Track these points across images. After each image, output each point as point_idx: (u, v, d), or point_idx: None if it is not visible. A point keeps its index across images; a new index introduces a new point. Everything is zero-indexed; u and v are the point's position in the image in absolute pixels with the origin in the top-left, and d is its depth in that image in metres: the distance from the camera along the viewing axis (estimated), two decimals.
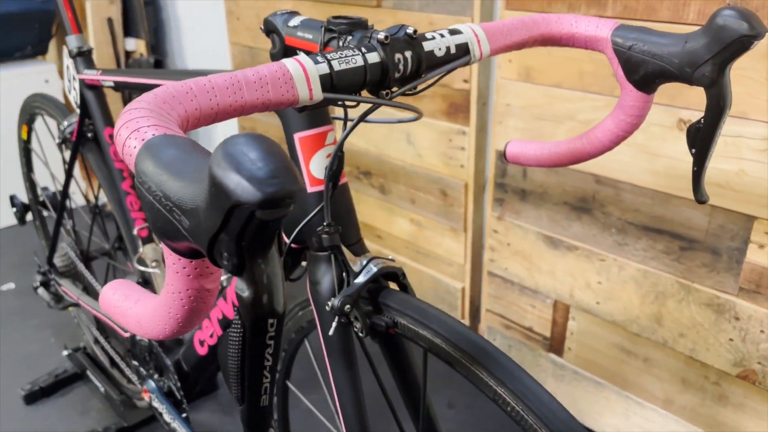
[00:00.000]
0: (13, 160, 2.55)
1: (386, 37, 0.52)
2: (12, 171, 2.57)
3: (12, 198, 1.68)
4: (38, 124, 1.51)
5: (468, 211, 1.59)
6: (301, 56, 0.48)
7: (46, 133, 1.51)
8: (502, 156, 0.74)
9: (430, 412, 0.75)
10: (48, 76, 2.57)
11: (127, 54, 2.55)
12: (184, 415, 1.09)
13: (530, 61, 1.33)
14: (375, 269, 0.65)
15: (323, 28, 0.58)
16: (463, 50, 0.57)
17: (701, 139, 0.61)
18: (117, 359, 1.41)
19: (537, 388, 0.54)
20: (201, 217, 0.30)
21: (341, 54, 0.50)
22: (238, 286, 0.31)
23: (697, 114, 1.11)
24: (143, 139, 0.35)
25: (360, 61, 0.50)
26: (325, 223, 0.64)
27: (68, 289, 1.39)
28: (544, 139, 1.36)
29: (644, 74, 0.59)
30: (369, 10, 1.62)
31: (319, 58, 0.49)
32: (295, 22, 0.62)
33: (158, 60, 2.44)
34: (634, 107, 0.62)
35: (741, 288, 1.14)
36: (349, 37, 0.56)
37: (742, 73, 1.03)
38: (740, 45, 0.54)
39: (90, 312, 1.33)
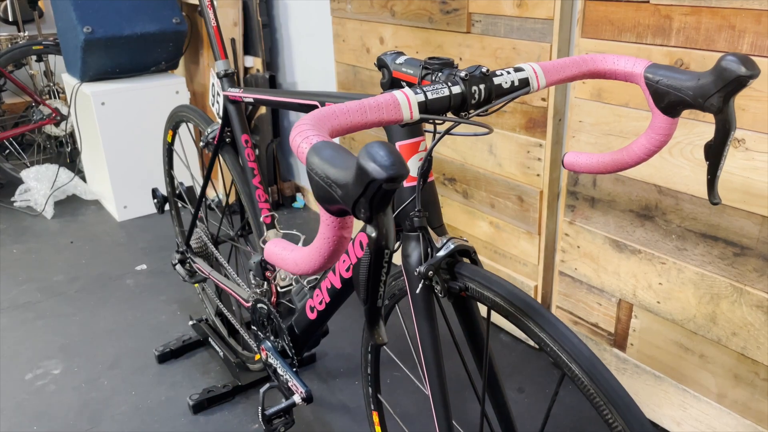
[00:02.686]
0: (148, 159, 2.95)
1: (466, 75, 0.73)
2: (142, 168, 2.97)
3: (154, 191, 2.01)
4: (182, 130, 1.81)
5: (542, 216, 1.76)
6: (406, 89, 0.70)
7: (188, 137, 1.81)
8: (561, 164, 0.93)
9: (492, 362, 0.95)
10: (178, 87, 2.95)
11: (246, 70, 2.89)
12: (294, 369, 1.34)
13: (601, 83, 1.49)
14: (452, 246, 0.86)
15: (421, 66, 0.80)
16: (525, 83, 0.77)
17: (713, 154, 0.77)
18: (238, 327, 1.68)
19: (569, 333, 0.73)
20: (349, 189, 0.52)
21: (433, 87, 0.71)
22: (368, 231, 0.53)
23: (747, 134, 1.25)
24: (310, 143, 0.58)
25: (446, 92, 0.72)
26: (416, 209, 0.86)
27: (201, 266, 1.68)
28: None
29: (668, 102, 0.77)
30: (460, 35, 1.84)
31: (417, 90, 0.71)
32: (400, 60, 0.85)
33: (272, 75, 2.76)
34: (662, 128, 0.80)
35: None
36: (440, 73, 0.78)
37: None
38: (738, 83, 0.71)
39: (218, 285, 1.60)
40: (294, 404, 1.27)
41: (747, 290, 1.33)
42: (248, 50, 2.87)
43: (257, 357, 1.73)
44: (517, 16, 1.65)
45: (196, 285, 2.07)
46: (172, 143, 1.86)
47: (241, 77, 2.87)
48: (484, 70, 0.74)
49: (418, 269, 0.86)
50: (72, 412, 1.73)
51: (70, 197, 3.27)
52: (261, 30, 2.76)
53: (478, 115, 0.75)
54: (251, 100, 1.27)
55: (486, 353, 0.88)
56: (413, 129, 0.89)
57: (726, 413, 1.44)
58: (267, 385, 1.30)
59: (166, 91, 2.93)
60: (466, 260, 0.90)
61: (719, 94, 0.73)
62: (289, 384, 1.32)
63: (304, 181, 3.06)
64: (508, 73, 0.76)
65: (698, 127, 1.33)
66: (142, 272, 2.50)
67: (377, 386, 1.23)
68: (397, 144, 0.88)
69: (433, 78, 0.78)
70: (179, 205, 1.97)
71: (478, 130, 0.75)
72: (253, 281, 1.43)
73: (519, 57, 1.68)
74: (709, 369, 1.45)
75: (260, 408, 1.24)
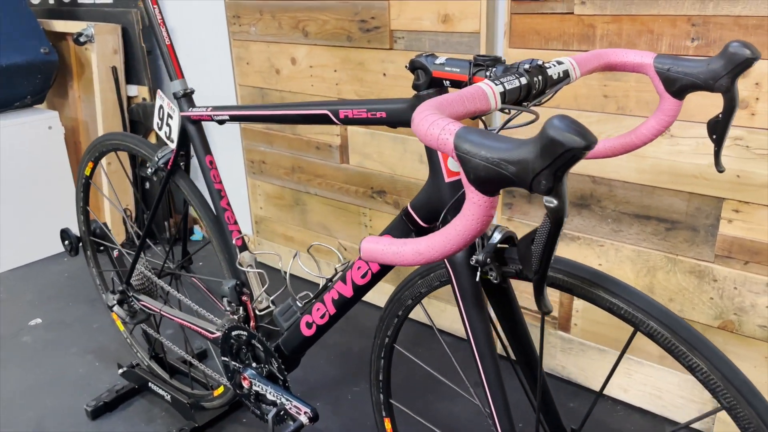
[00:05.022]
0: (24, 202, 2.65)
1: (530, 67, 0.79)
2: (17, 214, 2.67)
3: (65, 232, 1.83)
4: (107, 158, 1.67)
5: None
6: (487, 81, 0.75)
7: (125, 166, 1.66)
8: None
9: (534, 347, 1.01)
10: (50, 122, 2.71)
11: (129, 99, 2.73)
12: (289, 390, 1.30)
13: None
14: (500, 235, 0.91)
15: (471, 63, 0.85)
16: (566, 74, 0.85)
17: (720, 128, 0.90)
18: (195, 362, 1.58)
19: (641, 294, 0.81)
20: (528, 164, 0.55)
21: (507, 79, 0.76)
22: (547, 200, 0.56)
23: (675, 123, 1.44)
24: (451, 132, 0.60)
25: (517, 83, 0.77)
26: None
27: (149, 303, 1.56)
28: None
29: (679, 87, 0.89)
30: (383, 52, 1.90)
31: (497, 82, 0.75)
32: (440, 60, 0.88)
33: None
34: (671, 110, 0.91)
35: (716, 255, 1.46)
36: (494, 69, 0.83)
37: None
38: (746, 64, 0.84)
39: (174, 320, 1.50)
40: (302, 425, 1.23)
41: (680, 259, 1.52)
42: (130, 79, 2.71)
43: (217, 392, 1.64)
44: (443, 31, 1.76)
45: (122, 329, 1.90)
46: (90, 176, 1.72)
47: (125, 107, 2.70)
48: (539, 62, 0.81)
49: (474, 258, 0.89)
50: None
51: None
52: (145, 57, 2.62)
53: (535, 104, 0.81)
54: (225, 117, 1.23)
55: (542, 337, 0.93)
56: None
57: (669, 372, 1.62)
58: (273, 410, 1.25)
59: (37, 126, 2.67)
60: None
61: (728, 75, 0.85)
62: (289, 407, 1.28)
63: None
64: (554, 65, 0.83)
65: (626, 121, 1.51)
66: (38, 327, 2.24)
67: (389, 391, 1.24)
68: None
69: (487, 74, 0.83)
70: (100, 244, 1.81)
71: (518, 122, 0.81)
72: (227, 308, 1.37)
73: None
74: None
75: None
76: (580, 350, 1.77)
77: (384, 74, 1.93)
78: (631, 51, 0.93)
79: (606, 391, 1.76)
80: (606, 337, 1.71)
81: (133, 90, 2.70)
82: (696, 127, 1.42)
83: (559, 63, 0.85)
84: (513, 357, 1.04)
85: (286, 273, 1.23)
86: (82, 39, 2.53)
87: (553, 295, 1.78)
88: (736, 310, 1.47)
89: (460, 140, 0.59)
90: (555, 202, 0.56)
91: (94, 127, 2.77)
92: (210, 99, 2.60)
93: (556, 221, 0.58)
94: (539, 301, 0.63)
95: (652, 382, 1.66)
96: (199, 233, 2.93)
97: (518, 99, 0.79)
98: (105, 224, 1.86)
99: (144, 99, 2.69)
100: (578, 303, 1.74)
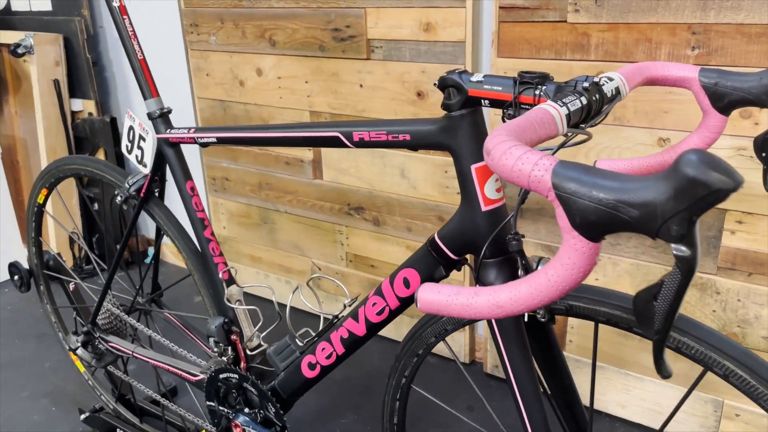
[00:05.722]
0: None
1: (589, 85, 0.71)
2: None
3: (14, 266, 1.65)
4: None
5: None
6: (550, 103, 0.66)
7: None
8: None
9: (574, 385, 0.94)
10: None
11: (73, 114, 2.52)
12: None
13: None
14: None
15: (517, 81, 0.76)
16: (617, 91, 0.78)
17: None
18: (168, 403, 1.43)
19: (712, 331, 0.75)
20: (656, 206, 0.46)
21: (570, 99, 0.68)
22: (677, 249, 0.48)
23: (671, 133, 1.40)
24: (547, 168, 0.51)
25: (579, 104, 0.69)
26: (513, 232, 0.81)
27: (118, 344, 1.41)
28: None
29: (728, 102, 0.83)
30: (359, 62, 1.80)
31: (560, 103, 0.67)
32: (477, 77, 0.80)
33: (113, 118, 2.44)
34: (716, 126, 0.86)
35: (719, 267, 1.43)
36: (543, 87, 0.75)
37: None
38: None
39: (149, 362, 1.36)
40: None
41: None
42: (74, 92, 2.51)
43: None
44: (425, 41, 1.67)
45: (82, 369, 1.73)
46: (44, 204, 1.54)
47: (69, 123, 2.49)
48: (595, 79, 0.73)
49: None
50: None
51: None
52: (91, 69, 2.43)
53: (591, 125, 0.74)
54: (212, 140, 1.11)
55: (593, 375, 0.86)
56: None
57: (668, 387, 1.59)
58: None
59: None
60: None
61: None
62: None
63: (154, 234, 2.74)
64: (606, 81, 0.76)
65: (624, 132, 1.46)
66: None
67: None
68: (474, 166, 0.83)
69: (536, 93, 0.75)
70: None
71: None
72: (214, 348, 1.24)
73: (429, 80, 1.70)
74: (649, 349, 1.59)
75: None
76: (576, 367, 1.72)
77: (361, 85, 1.83)
78: (673, 64, 0.86)
79: (603, 408, 1.71)
80: (604, 353, 1.66)
81: (78, 104, 2.50)
82: None
83: (610, 79, 0.77)
84: (549, 391, 0.96)
85: (286, 307, 1.11)
86: (20, 50, 2.31)
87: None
88: (740, 322, 1.44)
89: (561, 178, 0.50)
90: (687, 251, 0.48)
91: (35, 145, 2.55)
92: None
93: (687, 273, 0.49)
94: (659, 365, 0.55)
95: (650, 397, 1.62)
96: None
97: (579, 121, 0.71)
98: (59, 254, 1.68)
99: (90, 114, 2.49)
100: (573, 319, 1.68)
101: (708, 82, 0.83)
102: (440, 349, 1.96)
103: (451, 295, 0.61)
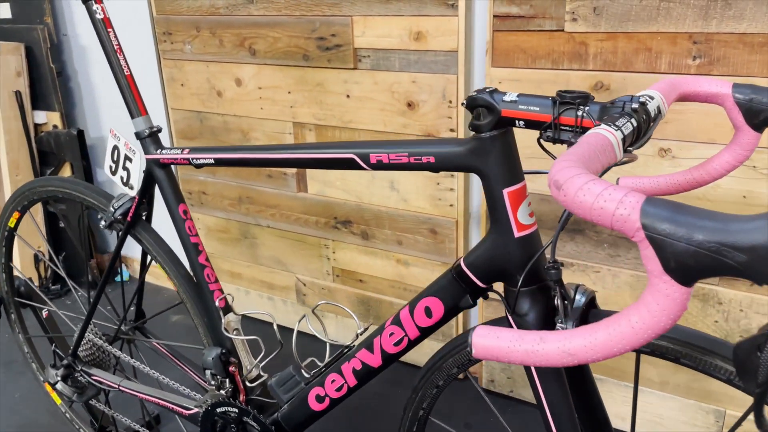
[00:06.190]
0: None
1: (638, 106, 0.67)
2: None
3: None
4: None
5: (459, 246, 1.75)
6: (605, 128, 0.62)
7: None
8: None
9: (634, 414, 0.90)
10: None
11: (36, 127, 2.39)
12: None
13: None
14: (584, 297, 0.78)
15: (557, 102, 0.71)
16: (659, 110, 0.74)
17: None
18: None
19: None
20: (765, 250, 0.42)
21: (622, 122, 0.64)
22: None
23: (672, 143, 1.38)
24: (634, 206, 0.46)
25: (630, 126, 0.65)
26: (551, 260, 0.76)
27: (103, 377, 1.32)
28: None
29: (763, 118, 0.80)
30: (345, 72, 1.74)
31: (614, 127, 0.62)
32: (511, 97, 0.75)
33: (80, 131, 2.32)
34: (749, 143, 0.83)
35: (721, 278, 1.42)
36: (586, 107, 0.70)
37: (709, 108, 1.31)
38: None
39: (137, 396, 1.27)
40: None
41: None
42: (37, 104, 2.38)
43: None
44: (415, 50, 1.62)
45: (59, 402, 1.62)
46: (15, 228, 1.44)
47: (32, 137, 2.36)
48: (642, 99, 0.69)
49: (563, 327, 0.76)
50: None
51: None
52: (55, 79, 2.30)
53: (637, 148, 0.70)
54: (209, 161, 1.03)
55: (635, 403, 0.82)
56: (518, 171, 0.79)
57: (669, 398, 1.57)
58: None
59: None
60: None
61: None
62: None
63: (123, 250, 2.62)
64: (648, 100, 0.72)
65: None
66: None
67: None
68: (507, 190, 0.78)
69: (578, 114, 0.70)
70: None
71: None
72: (212, 381, 1.16)
73: (421, 90, 1.65)
74: (650, 361, 1.57)
75: None
76: None
77: (348, 96, 1.77)
78: (704, 79, 0.83)
79: None
80: (604, 366, 1.64)
81: (41, 117, 2.37)
82: (699, 147, 1.37)
83: (651, 98, 0.73)
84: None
85: (289, 332, 1.04)
86: None
87: None
88: (743, 332, 1.43)
89: (652, 218, 0.46)
90: None
91: None
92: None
93: None
94: (760, 422, 0.51)
95: (652, 408, 1.60)
96: (125, 272, 2.63)
97: (632, 142, 0.66)
98: (30, 279, 1.58)
99: (55, 126, 2.36)
100: None
101: (743, 99, 0.80)
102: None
103: (513, 341, 0.56)
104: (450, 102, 1.61)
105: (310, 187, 1.95)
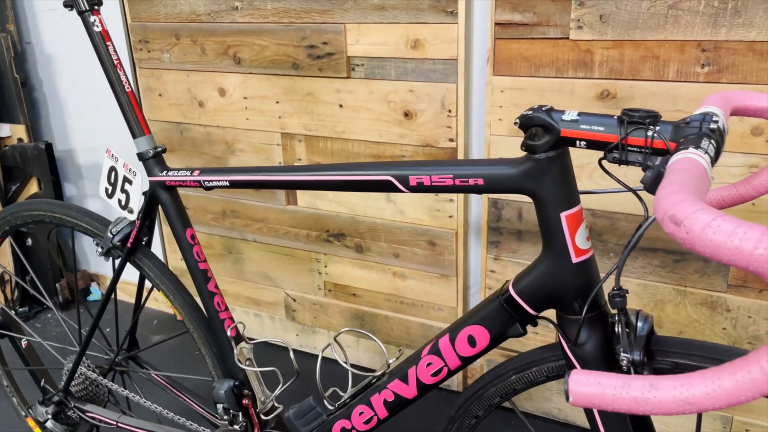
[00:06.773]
0: None
1: (716, 126, 0.64)
2: None
3: None
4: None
5: (459, 258, 1.71)
6: (694, 152, 0.58)
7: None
8: None
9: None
10: None
11: (0, 141, 2.24)
12: None
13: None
14: (646, 324, 0.75)
15: (624, 121, 0.67)
16: (724, 127, 0.71)
17: None
18: None
19: None
20: None
21: (706, 144, 0.60)
22: None
23: None
24: (765, 244, 0.43)
25: (713, 149, 0.62)
26: (616, 288, 0.73)
27: (99, 413, 1.23)
28: None
29: None
30: (338, 80, 1.68)
31: (702, 150, 0.59)
32: (571, 116, 0.71)
33: (49, 144, 2.19)
34: None
35: (729, 285, 1.42)
36: (657, 127, 0.67)
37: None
38: None
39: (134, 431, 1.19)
40: None
41: (690, 291, 1.46)
42: (1, 117, 2.23)
43: None
44: (412, 58, 1.58)
45: None
46: None
47: None
48: (715, 118, 0.66)
49: (627, 357, 0.72)
50: None
51: None
52: (20, 89, 2.17)
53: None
54: (224, 183, 0.96)
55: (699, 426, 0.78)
56: (574, 194, 0.75)
57: None
58: None
59: None
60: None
61: None
62: None
63: (97, 267, 2.50)
64: (718, 118, 0.69)
65: None
66: None
67: None
68: (565, 214, 0.74)
69: (648, 134, 0.67)
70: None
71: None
72: (224, 416, 1.09)
73: (418, 99, 1.60)
74: None
75: None
76: None
77: (340, 106, 1.71)
78: (753, 94, 0.81)
79: None
80: None
81: (6, 130, 2.23)
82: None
83: (716, 116, 0.70)
84: None
85: (314, 360, 0.98)
86: None
87: (547, 336, 1.66)
88: (751, 338, 1.43)
89: None
90: None
91: None
92: (107, 138, 2.21)
93: None
94: None
95: (659, 417, 1.59)
96: (97, 291, 2.50)
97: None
98: (7, 306, 1.46)
99: (20, 140, 2.23)
100: None
101: None
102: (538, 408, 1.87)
103: (618, 387, 0.52)
104: (449, 111, 1.57)
105: (300, 200, 1.88)
